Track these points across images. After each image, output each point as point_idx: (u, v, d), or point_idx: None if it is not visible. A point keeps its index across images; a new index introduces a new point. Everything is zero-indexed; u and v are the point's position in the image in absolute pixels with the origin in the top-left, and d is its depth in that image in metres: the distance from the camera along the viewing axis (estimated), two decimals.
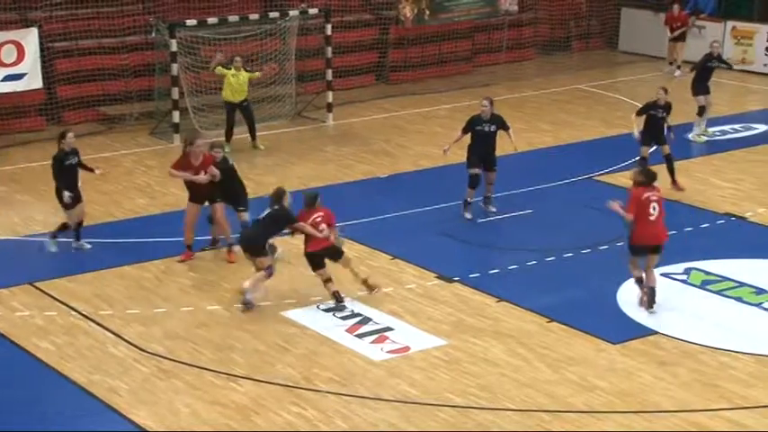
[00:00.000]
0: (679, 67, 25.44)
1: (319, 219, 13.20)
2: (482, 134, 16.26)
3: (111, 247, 15.29)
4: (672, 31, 25.71)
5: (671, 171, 17.20)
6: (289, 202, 13.33)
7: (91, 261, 14.82)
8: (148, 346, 12.38)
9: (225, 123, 19.92)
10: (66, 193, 14.64)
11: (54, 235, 15.09)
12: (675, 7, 25.83)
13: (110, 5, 22.08)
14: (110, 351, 12.29)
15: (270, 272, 13.30)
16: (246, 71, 19.83)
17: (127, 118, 21.67)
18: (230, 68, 19.67)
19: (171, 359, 12.06)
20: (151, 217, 16.57)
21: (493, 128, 16.34)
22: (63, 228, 15.08)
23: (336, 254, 13.35)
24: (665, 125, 17.40)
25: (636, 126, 17.37)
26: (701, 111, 20.37)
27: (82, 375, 11.71)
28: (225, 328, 12.86)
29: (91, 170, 15.29)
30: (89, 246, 15.21)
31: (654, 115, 17.31)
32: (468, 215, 16.23)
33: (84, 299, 13.63)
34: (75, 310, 13.30)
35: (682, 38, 25.75)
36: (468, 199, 16.30)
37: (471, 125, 16.38)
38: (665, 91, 17.41)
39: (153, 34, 21.16)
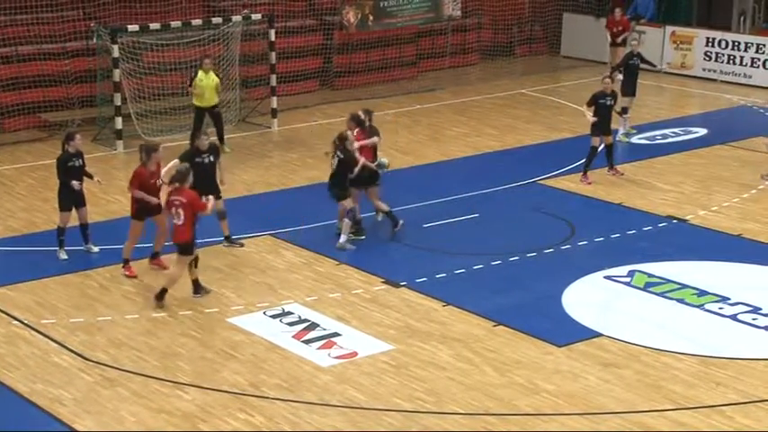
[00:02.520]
0: (621, 72, 25.73)
1: None
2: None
3: (54, 255, 15.08)
4: (614, 36, 25.74)
5: (610, 159, 18.26)
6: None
7: (33, 269, 14.62)
8: (92, 354, 12.24)
9: (192, 126, 19.86)
10: (75, 182, 14.66)
11: (60, 244, 14.92)
12: (617, 11, 25.89)
13: (50, 11, 21.82)
14: (53, 360, 12.13)
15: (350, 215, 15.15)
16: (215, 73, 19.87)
17: (69, 124, 21.39)
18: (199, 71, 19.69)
19: (116, 367, 11.93)
20: (94, 224, 16.37)
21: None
22: (61, 233, 14.90)
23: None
24: (612, 113, 18.17)
25: (589, 114, 18.06)
26: (625, 110, 20.83)
27: (24, 385, 11.54)
28: (170, 335, 12.76)
29: (90, 177, 15.13)
30: (97, 249, 15.10)
31: (603, 104, 17.97)
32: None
33: (26, 307, 13.44)
34: (17, 319, 13.10)
35: (623, 43, 25.74)
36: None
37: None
38: (612, 79, 18.23)
39: (94, 40, 20.93)
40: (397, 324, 13.05)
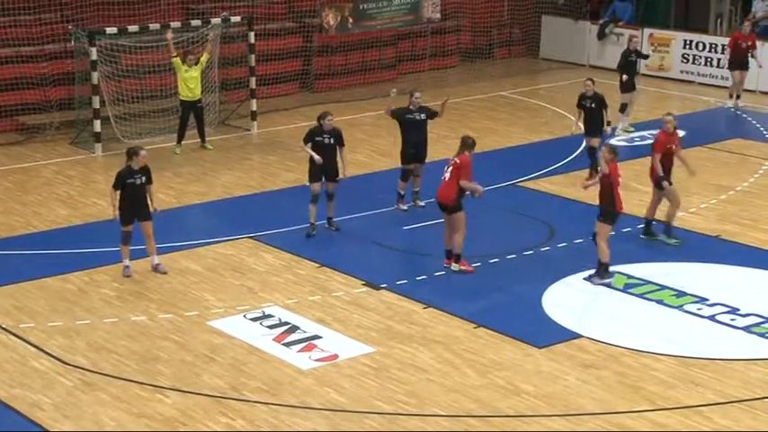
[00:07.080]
0: (738, 97, 23.48)
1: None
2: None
3: (32, 259, 15.02)
4: (741, 54, 23.14)
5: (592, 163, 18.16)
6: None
7: (11, 273, 14.54)
8: (71, 358, 12.18)
9: (178, 123, 20.14)
10: (118, 212, 14.11)
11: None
12: (746, 25, 23.80)
13: (27, 13, 21.71)
14: (31, 364, 12.07)
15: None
16: (195, 64, 19.98)
17: (47, 127, 21.31)
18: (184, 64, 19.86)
19: (95, 372, 11.88)
20: (73, 228, 16.32)
21: (423, 116, 16.63)
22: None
23: None
24: (603, 118, 18.24)
25: (575, 118, 18.56)
26: (624, 107, 21.02)
27: (2, 390, 11.47)
28: (150, 338, 12.72)
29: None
30: None
31: (584, 105, 18.30)
32: (402, 207, 16.66)
33: (3, 312, 13.36)
34: None
35: (745, 64, 23.30)
36: (401, 191, 16.75)
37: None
38: (593, 82, 18.39)
39: (72, 42, 20.84)
40: (377, 326, 13.05)
